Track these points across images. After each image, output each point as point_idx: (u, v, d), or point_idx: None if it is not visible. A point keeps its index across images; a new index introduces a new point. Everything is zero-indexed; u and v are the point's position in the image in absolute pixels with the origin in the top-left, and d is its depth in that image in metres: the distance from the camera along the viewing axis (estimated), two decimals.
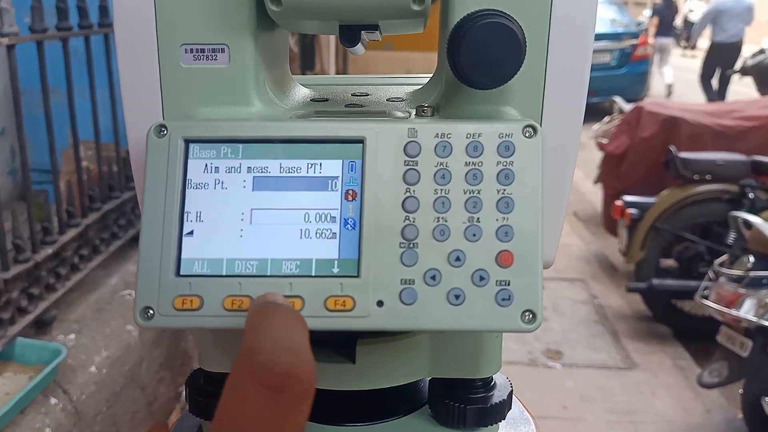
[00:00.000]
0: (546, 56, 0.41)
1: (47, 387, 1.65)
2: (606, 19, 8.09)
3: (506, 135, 0.38)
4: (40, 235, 1.78)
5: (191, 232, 0.38)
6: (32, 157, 1.83)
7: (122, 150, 2.27)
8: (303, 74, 4.33)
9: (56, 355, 1.67)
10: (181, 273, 0.37)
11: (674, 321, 3.19)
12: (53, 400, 1.65)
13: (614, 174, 3.81)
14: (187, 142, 0.38)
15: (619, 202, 3.32)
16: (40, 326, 1.81)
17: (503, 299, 0.37)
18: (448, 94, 0.43)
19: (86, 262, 2.02)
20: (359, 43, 0.44)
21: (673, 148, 3.21)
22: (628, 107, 4.19)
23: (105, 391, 1.82)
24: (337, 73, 4.76)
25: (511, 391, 0.48)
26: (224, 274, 0.37)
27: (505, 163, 0.38)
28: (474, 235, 0.37)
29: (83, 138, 2.07)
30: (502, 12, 0.38)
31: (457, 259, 0.37)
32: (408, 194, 0.37)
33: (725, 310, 2.38)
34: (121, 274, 2.21)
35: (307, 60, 4.49)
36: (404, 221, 0.37)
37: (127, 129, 0.43)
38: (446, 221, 0.37)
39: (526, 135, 0.38)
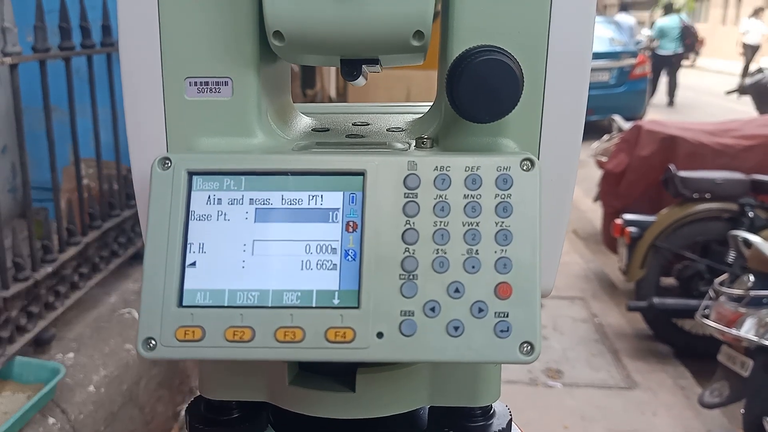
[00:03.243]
0: (543, 90, 0.42)
1: (45, 406, 1.64)
2: (604, 38, 8.15)
3: (504, 168, 0.38)
4: (40, 253, 1.79)
5: (194, 263, 0.38)
6: (33, 175, 1.84)
7: (123, 168, 2.28)
8: (303, 93, 4.35)
9: (54, 374, 1.66)
10: (184, 304, 0.37)
11: (675, 340, 3.18)
12: (51, 420, 1.64)
13: (613, 192, 3.81)
14: (191, 174, 0.39)
15: (618, 221, 3.32)
16: (39, 345, 1.81)
17: (502, 331, 0.37)
18: (447, 126, 0.44)
19: (86, 281, 2.02)
20: (360, 76, 0.44)
21: (672, 166, 3.22)
22: (627, 125, 4.21)
23: (103, 410, 1.81)
24: (338, 92, 4.78)
25: (510, 419, 0.48)
26: (226, 305, 0.37)
27: (503, 196, 0.38)
28: (473, 266, 0.37)
29: (84, 156, 2.08)
30: (499, 48, 0.39)
31: (456, 290, 0.37)
32: (408, 226, 0.38)
33: (726, 329, 2.37)
34: (120, 293, 2.21)
35: (307, 78, 4.51)
36: (404, 253, 0.38)
37: (131, 160, 0.43)
38: (445, 253, 0.38)
39: (524, 168, 0.38)
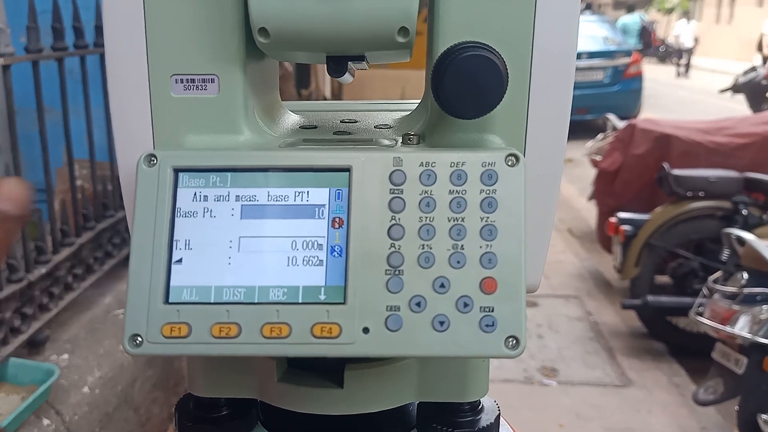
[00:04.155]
0: (529, 85, 0.42)
1: (40, 408, 1.64)
2: (599, 37, 8.16)
3: (489, 164, 0.39)
4: (33, 255, 1.78)
5: (180, 260, 0.38)
6: (26, 176, 1.84)
7: (117, 169, 2.27)
8: (298, 92, 4.35)
9: (49, 376, 1.66)
10: (170, 300, 0.38)
11: (669, 338, 3.19)
12: (46, 421, 1.64)
13: (608, 191, 3.82)
14: (177, 171, 0.39)
15: (613, 219, 3.33)
16: (33, 346, 1.80)
17: (487, 325, 0.37)
18: (433, 122, 0.44)
19: (80, 282, 2.01)
20: (346, 73, 0.44)
21: (666, 165, 3.23)
22: (621, 124, 4.22)
23: (98, 411, 1.81)
24: (333, 92, 4.78)
25: (499, 414, 0.48)
26: (212, 301, 0.38)
27: (488, 191, 0.38)
28: (458, 262, 0.38)
29: (78, 157, 2.07)
30: (484, 44, 0.39)
31: (442, 285, 0.37)
32: (393, 222, 0.38)
33: (720, 326, 2.38)
34: (114, 294, 2.21)
35: (302, 78, 4.51)
36: (390, 248, 0.38)
37: (117, 157, 0.44)
38: (431, 248, 0.38)
39: (509, 163, 0.39)
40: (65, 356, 1.85)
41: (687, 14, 15.94)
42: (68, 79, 1.95)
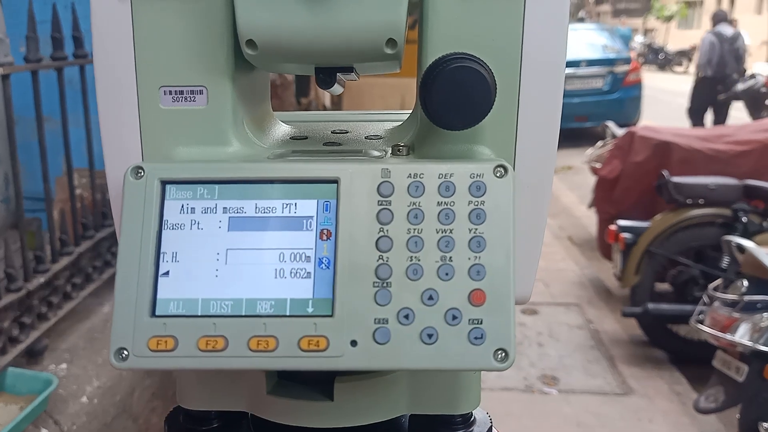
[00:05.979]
0: (518, 96, 0.42)
1: (38, 418, 1.63)
2: (598, 44, 8.19)
3: (477, 175, 0.38)
4: (32, 264, 1.78)
5: (167, 273, 0.38)
6: (26, 186, 1.84)
7: None
8: (298, 101, 4.35)
9: (47, 386, 1.65)
10: (157, 313, 0.37)
11: (670, 345, 3.18)
12: (44, 431, 1.63)
13: (608, 198, 3.82)
14: (164, 183, 0.39)
15: (613, 227, 3.32)
16: (32, 356, 1.80)
17: (476, 338, 0.37)
18: (423, 133, 0.44)
19: (79, 291, 2.01)
20: (336, 84, 0.44)
21: (665, 172, 3.23)
22: (620, 132, 4.22)
23: (96, 421, 1.80)
24: (332, 100, 4.78)
25: (491, 426, 0.48)
26: (199, 314, 0.37)
27: (476, 203, 0.38)
28: (446, 274, 0.37)
29: (77, 166, 2.08)
30: (472, 56, 0.39)
31: (430, 298, 0.37)
32: (381, 233, 0.38)
33: (720, 334, 2.37)
34: (113, 303, 2.20)
35: (301, 87, 4.52)
36: (378, 260, 0.38)
37: (106, 169, 0.44)
38: (419, 260, 0.38)
39: (497, 175, 0.39)
40: (64, 366, 1.84)
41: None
42: (67, 89, 1.96)
